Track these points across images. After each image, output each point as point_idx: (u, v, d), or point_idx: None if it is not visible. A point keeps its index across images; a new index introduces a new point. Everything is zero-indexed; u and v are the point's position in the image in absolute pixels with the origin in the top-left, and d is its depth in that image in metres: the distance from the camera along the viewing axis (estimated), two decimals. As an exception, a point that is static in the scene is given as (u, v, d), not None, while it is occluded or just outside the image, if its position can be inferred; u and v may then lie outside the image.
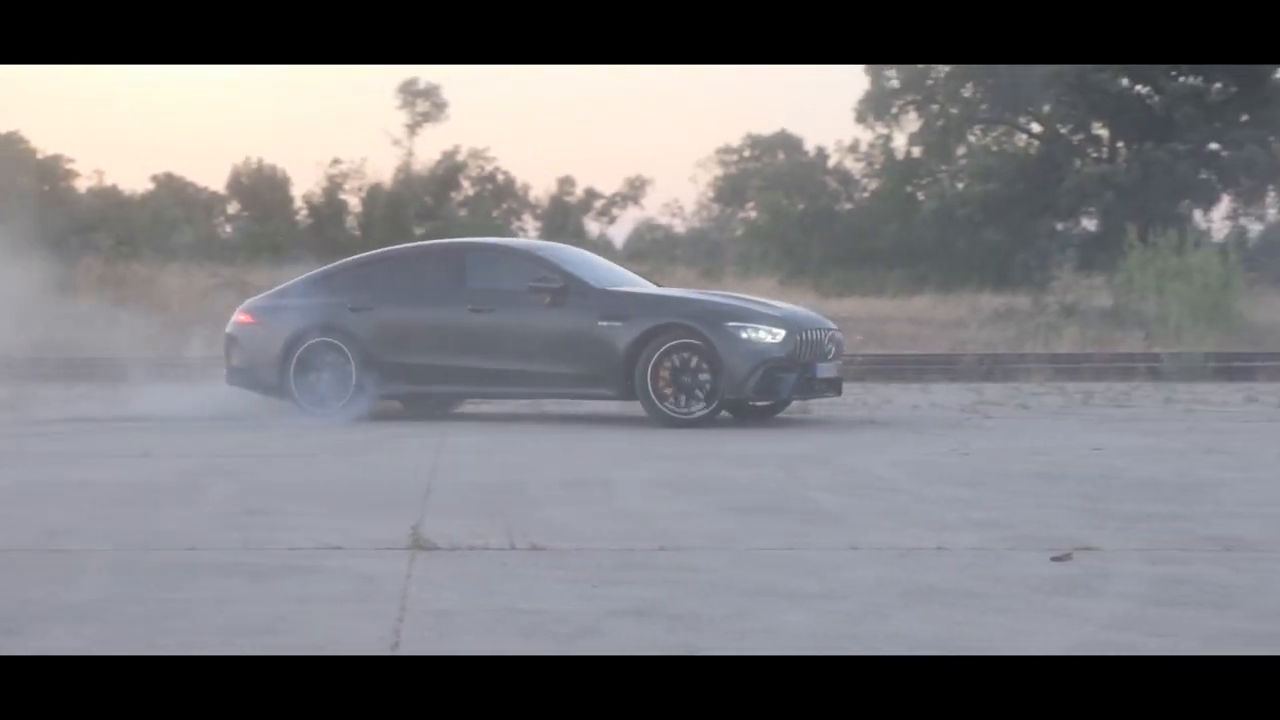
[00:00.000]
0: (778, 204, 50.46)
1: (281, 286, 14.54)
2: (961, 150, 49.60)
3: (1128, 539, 6.90)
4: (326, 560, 6.32)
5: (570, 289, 13.17)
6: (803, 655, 4.57)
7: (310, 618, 5.25)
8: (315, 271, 14.64)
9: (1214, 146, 45.05)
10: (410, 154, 53.67)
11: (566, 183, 58.08)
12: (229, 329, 14.29)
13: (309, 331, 13.69)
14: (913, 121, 48.85)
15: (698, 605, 5.47)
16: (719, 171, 61.53)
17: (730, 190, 60.08)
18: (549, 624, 5.13)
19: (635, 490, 8.73)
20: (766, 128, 73.84)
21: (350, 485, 9.03)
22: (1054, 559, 6.28)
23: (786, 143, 59.37)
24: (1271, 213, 48.77)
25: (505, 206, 55.03)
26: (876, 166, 50.95)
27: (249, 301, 14.63)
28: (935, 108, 48.25)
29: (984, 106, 48.40)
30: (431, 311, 13.59)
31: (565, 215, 55.92)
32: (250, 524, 7.35)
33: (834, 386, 13.55)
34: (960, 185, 48.59)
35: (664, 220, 64.14)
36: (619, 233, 60.54)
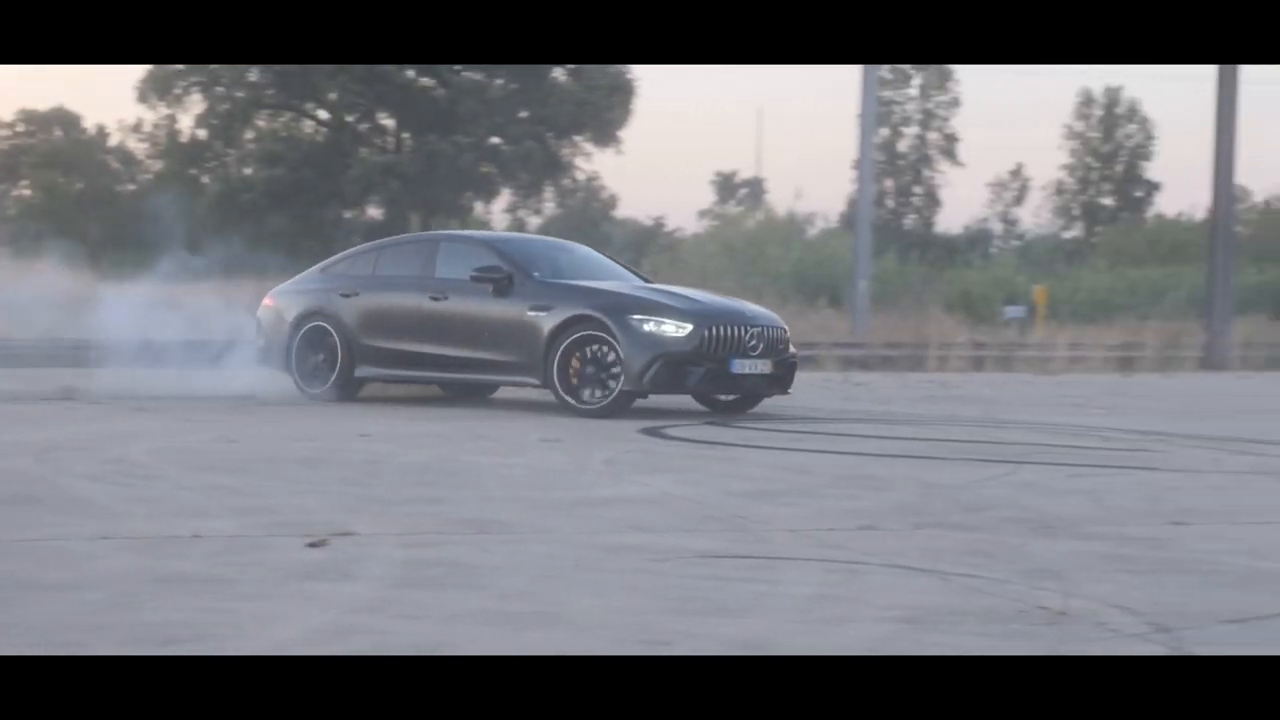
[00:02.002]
0: (53, 183, 48.74)
1: (304, 273, 15.11)
2: (250, 135, 49.27)
3: (386, 523, 7.00)
4: None
5: (514, 279, 13.29)
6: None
7: None
8: (328, 259, 15.23)
9: (495, 141, 46.56)
10: None
11: None
12: (258, 313, 14.90)
13: (309, 316, 14.33)
14: (198, 103, 48.11)
15: (-69, 601, 5.18)
16: (-9, 147, 58.75)
17: (3, 167, 57.47)
18: None
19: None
20: (42, 103, 70.73)
21: None
22: (310, 544, 6.31)
23: (64, 119, 57.22)
24: (549, 206, 50.96)
25: None
26: (160, 147, 49.96)
27: (275, 288, 15.12)
28: (221, 90, 47.68)
29: (271, 92, 48.22)
30: (400, 298, 13.98)
31: None
32: None
33: (774, 383, 13.26)
34: (247, 170, 48.29)
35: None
36: None
